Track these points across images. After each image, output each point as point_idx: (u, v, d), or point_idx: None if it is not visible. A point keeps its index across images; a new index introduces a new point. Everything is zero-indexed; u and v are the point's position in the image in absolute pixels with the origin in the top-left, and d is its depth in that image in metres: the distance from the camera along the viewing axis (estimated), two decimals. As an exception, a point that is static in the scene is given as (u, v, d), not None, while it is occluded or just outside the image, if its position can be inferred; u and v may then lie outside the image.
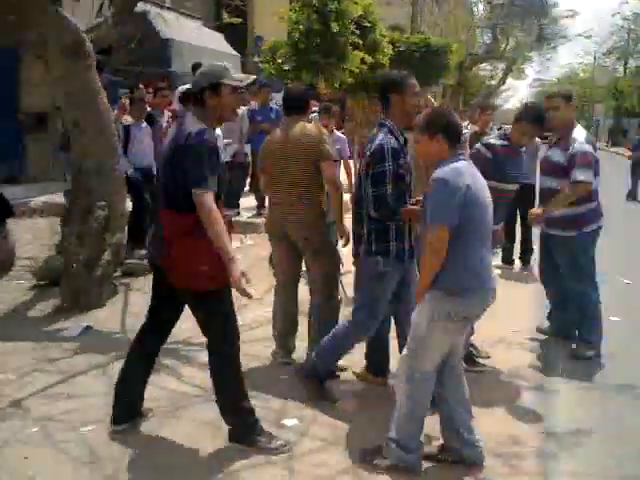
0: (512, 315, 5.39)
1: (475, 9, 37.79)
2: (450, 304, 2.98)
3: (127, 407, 3.42)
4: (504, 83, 44.35)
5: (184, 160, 2.97)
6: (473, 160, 3.41)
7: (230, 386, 3.26)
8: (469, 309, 3.04)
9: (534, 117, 4.27)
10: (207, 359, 3.30)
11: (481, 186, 3.09)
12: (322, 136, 4.15)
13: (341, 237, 4.32)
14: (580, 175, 4.39)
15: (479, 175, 3.14)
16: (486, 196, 3.10)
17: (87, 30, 5.72)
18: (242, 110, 8.14)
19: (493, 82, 45.56)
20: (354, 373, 4.27)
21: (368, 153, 3.62)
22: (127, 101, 7.21)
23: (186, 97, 3.20)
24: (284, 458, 3.22)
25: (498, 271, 6.40)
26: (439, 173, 3.01)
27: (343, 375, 4.28)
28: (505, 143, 4.30)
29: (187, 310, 3.35)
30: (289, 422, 3.61)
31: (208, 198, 2.91)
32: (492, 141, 4.37)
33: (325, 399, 3.83)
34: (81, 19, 5.75)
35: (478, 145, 4.45)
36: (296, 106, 4.26)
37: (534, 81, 65.45)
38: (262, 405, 3.61)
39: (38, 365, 4.24)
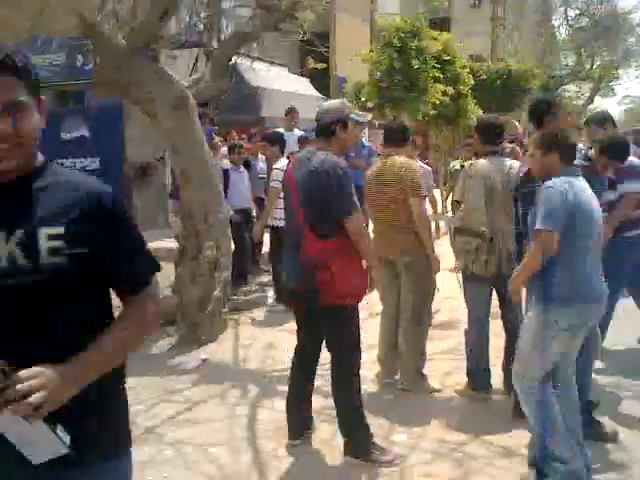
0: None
1: (557, 32, 37.26)
2: (557, 313, 3.06)
3: (297, 424, 3.73)
4: (592, 102, 43.28)
5: (329, 191, 3.29)
6: None
7: (353, 397, 3.48)
8: (575, 318, 3.09)
9: (618, 154, 4.40)
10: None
11: (589, 198, 3.16)
12: (417, 171, 4.39)
13: (433, 268, 4.51)
14: None
15: (589, 190, 3.22)
16: (594, 209, 3.17)
17: (189, 86, 6.21)
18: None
19: (580, 102, 44.59)
20: (456, 391, 4.42)
21: None
22: (220, 143, 7.68)
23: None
24: (396, 470, 3.41)
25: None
26: (549, 182, 3.13)
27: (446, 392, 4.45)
28: (586, 164, 4.37)
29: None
30: (398, 437, 3.80)
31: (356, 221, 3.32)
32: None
33: None
34: (177, 74, 6.25)
35: None
36: (395, 137, 4.55)
37: (623, 98, 63.42)
38: (371, 422, 3.80)
39: (164, 396, 4.60)
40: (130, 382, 4.64)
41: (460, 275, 4.46)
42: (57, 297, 1.46)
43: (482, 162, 4.23)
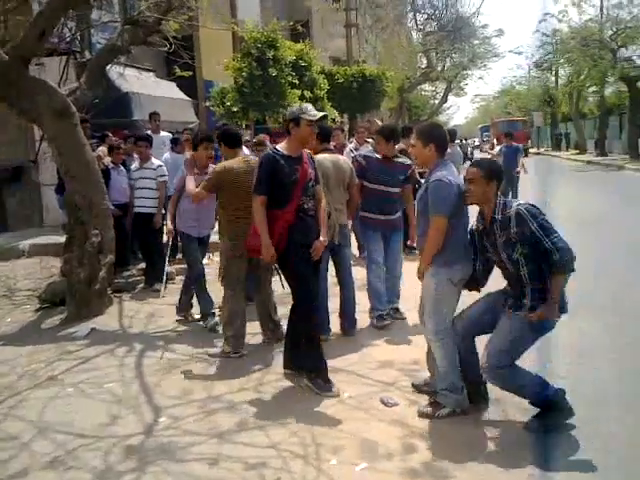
0: None
1: (410, 36, 39.95)
2: (450, 272, 3.90)
3: None
4: (446, 101, 46.65)
5: None
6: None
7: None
8: (461, 274, 3.96)
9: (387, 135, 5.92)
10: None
11: (461, 183, 3.94)
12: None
13: None
14: None
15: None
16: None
17: (67, 94, 7.05)
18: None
19: (436, 101, 47.94)
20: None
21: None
22: (104, 150, 8.57)
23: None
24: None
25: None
26: (437, 175, 3.89)
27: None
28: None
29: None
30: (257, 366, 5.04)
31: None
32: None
33: None
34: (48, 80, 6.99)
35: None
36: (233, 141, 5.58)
37: (475, 97, 68.83)
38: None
39: (60, 356, 5.54)
40: (27, 349, 5.67)
41: None
42: None
43: (319, 157, 5.50)
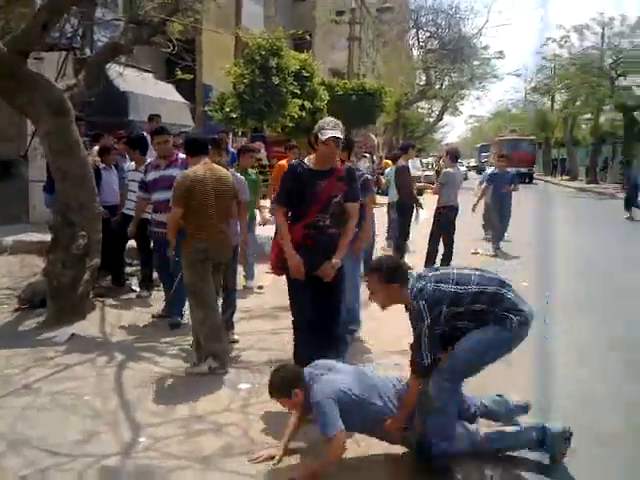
0: None
1: (412, 52, 40.12)
2: None
3: None
4: (441, 119, 46.86)
5: None
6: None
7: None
8: None
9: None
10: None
11: None
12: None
13: None
14: None
15: None
16: None
17: (64, 90, 6.85)
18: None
19: (432, 119, 48.11)
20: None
21: None
22: (95, 150, 8.34)
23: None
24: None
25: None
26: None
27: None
28: None
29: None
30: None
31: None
32: None
33: None
34: (45, 75, 6.78)
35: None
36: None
37: (469, 117, 69.10)
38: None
39: (37, 362, 5.29)
40: (2, 352, 5.38)
41: None
42: None
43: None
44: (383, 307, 3.71)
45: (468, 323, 3.48)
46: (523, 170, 33.15)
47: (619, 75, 29.86)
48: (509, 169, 11.78)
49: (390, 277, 3.57)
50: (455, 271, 3.63)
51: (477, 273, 3.59)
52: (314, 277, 4.37)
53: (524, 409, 3.99)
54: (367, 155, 10.28)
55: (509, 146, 32.99)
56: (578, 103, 35.70)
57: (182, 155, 6.05)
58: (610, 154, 35.72)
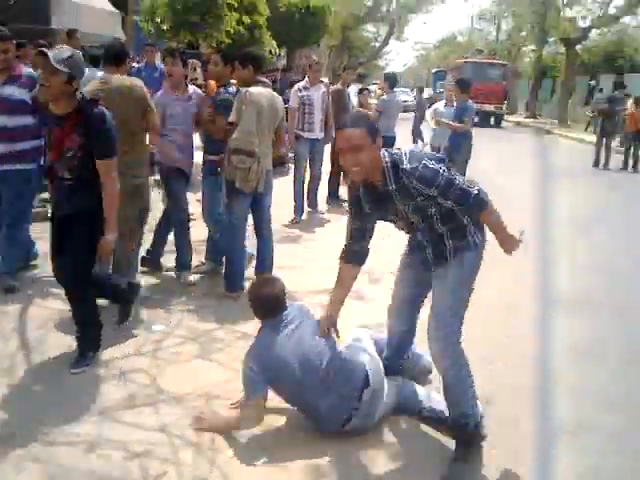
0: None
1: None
2: None
3: None
4: (387, 44, 45.85)
5: None
6: None
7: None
8: None
9: None
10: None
11: None
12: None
13: None
14: None
15: None
16: None
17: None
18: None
19: (377, 44, 47.02)
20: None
21: None
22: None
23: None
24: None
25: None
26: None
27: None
28: None
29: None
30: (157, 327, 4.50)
31: None
32: None
33: None
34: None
35: None
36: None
37: (415, 44, 67.97)
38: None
39: None
40: None
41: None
42: None
43: (254, 90, 4.91)
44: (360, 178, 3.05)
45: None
46: (488, 108, 26.02)
47: (565, 5, 29.64)
48: (470, 103, 8.74)
49: (374, 135, 2.96)
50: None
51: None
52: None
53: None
54: (324, 80, 9.55)
55: (474, 72, 24.60)
56: (524, 33, 35.41)
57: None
58: (550, 88, 35.86)
